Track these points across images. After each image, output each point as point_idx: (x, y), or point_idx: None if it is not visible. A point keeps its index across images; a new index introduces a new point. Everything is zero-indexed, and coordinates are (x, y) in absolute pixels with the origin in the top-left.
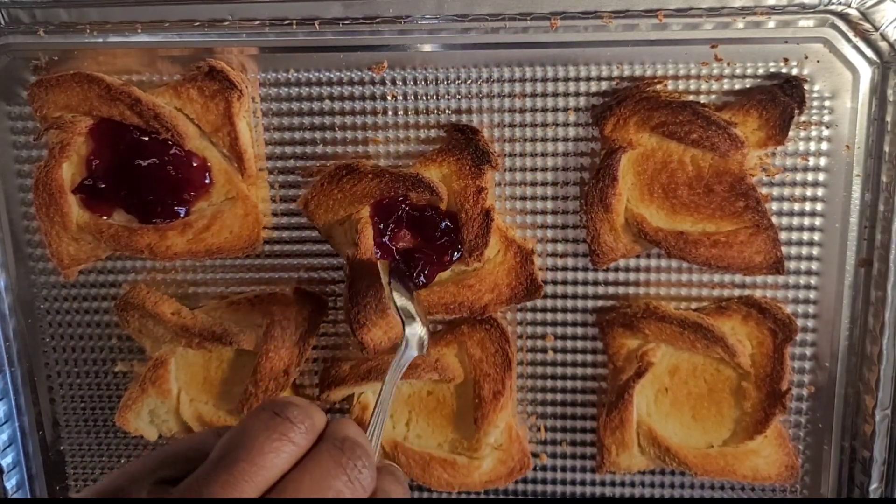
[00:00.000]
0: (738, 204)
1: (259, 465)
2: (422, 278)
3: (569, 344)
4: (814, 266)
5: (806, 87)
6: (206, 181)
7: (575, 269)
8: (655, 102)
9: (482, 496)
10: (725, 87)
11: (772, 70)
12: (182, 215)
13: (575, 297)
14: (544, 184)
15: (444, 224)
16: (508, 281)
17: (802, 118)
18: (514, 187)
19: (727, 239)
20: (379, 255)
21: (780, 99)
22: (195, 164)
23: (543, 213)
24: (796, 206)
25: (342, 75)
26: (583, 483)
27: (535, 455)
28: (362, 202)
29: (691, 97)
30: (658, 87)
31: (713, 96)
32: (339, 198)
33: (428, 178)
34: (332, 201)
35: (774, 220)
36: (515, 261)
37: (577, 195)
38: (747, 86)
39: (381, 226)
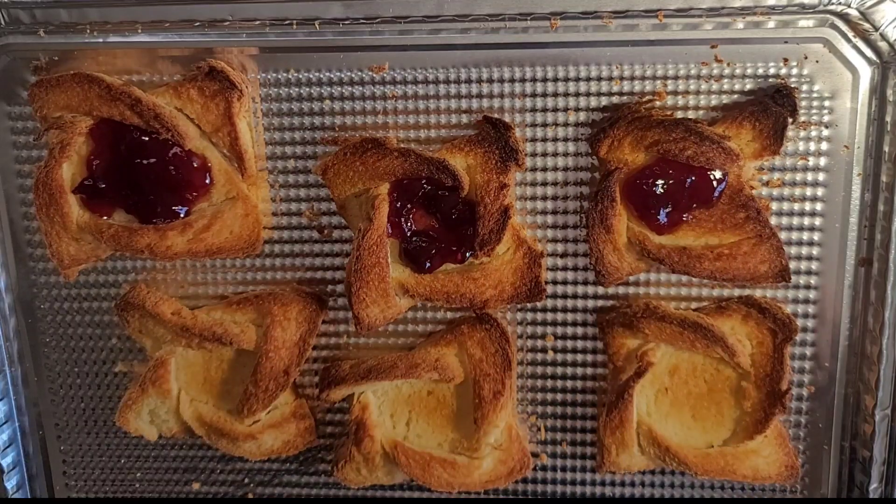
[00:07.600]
0: (739, 215)
1: None
2: (428, 263)
3: (569, 344)
4: (814, 266)
5: (805, 88)
6: (207, 181)
7: (575, 269)
8: (648, 122)
9: (482, 496)
10: (725, 87)
11: (772, 70)
12: (182, 215)
13: (575, 296)
14: (544, 184)
15: (456, 210)
16: (513, 280)
17: (802, 118)
18: (515, 187)
19: (730, 251)
20: (390, 233)
21: (773, 109)
22: (195, 165)
23: (543, 213)
24: (796, 207)
25: (342, 75)
26: (583, 483)
27: (535, 455)
28: (383, 178)
29: (691, 97)
30: (650, 105)
31: (713, 97)
32: (360, 170)
33: (453, 166)
34: (353, 172)
35: (774, 220)
36: (523, 262)
37: (577, 196)
38: (747, 86)
39: (398, 205)
